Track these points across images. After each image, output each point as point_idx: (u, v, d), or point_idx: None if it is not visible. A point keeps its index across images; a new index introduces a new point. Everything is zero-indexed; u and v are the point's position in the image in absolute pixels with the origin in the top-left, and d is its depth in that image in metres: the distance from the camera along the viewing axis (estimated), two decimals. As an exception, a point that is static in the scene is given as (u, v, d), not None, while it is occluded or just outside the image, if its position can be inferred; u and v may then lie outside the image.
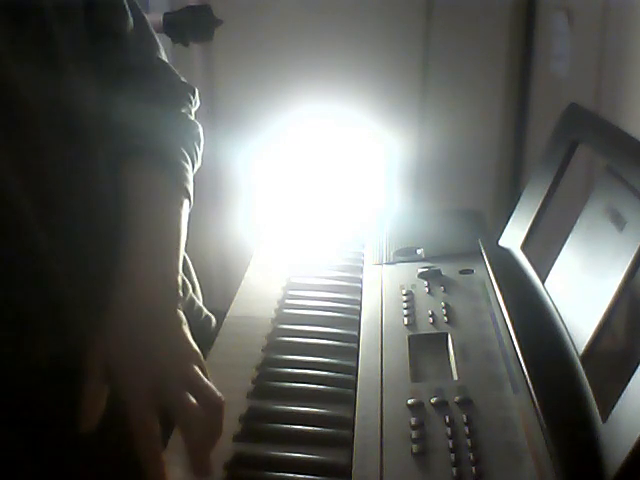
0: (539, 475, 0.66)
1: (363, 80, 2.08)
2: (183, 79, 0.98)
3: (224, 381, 0.84)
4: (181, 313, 0.78)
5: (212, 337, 0.97)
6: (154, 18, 1.82)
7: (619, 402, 0.65)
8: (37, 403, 0.75)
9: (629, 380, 0.65)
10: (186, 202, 0.87)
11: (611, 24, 1.52)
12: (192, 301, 0.97)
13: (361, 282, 1.07)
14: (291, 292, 1.05)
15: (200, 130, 0.95)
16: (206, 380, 0.73)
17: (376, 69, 2.10)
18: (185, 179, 0.87)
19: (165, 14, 1.81)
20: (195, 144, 0.93)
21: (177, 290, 0.79)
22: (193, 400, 0.71)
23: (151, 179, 0.86)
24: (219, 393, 0.73)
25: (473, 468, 0.67)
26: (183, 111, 0.94)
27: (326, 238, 1.24)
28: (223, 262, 2.08)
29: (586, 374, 0.74)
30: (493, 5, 2.09)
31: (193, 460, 0.69)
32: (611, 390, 0.68)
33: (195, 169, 0.92)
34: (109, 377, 0.73)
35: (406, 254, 1.12)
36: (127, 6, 0.91)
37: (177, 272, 0.81)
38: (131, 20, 0.91)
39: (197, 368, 0.74)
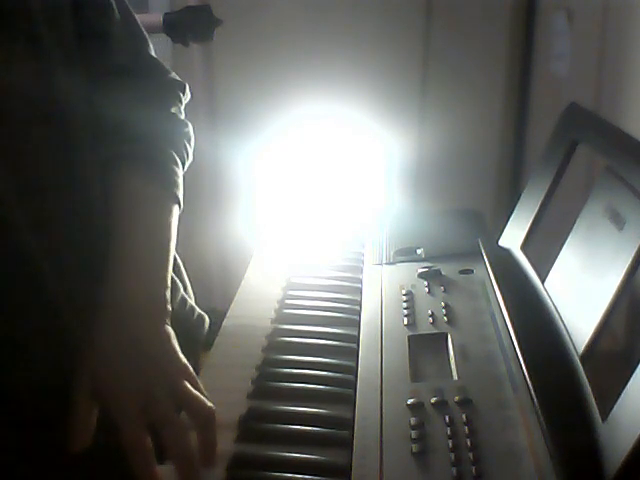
0: (539, 475, 0.66)
1: (363, 80, 2.08)
2: (172, 75, 0.96)
3: (224, 381, 0.84)
4: (169, 328, 0.77)
5: (206, 336, 0.97)
6: (154, 18, 1.82)
7: (618, 402, 0.65)
8: (35, 409, 0.75)
9: (629, 380, 0.65)
10: (176, 208, 0.87)
11: (611, 24, 1.52)
12: (184, 301, 0.96)
13: (361, 282, 1.07)
14: (291, 292, 1.05)
15: (190, 128, 0.94)
16: (196, 393, 0.73)
17: (376, 69, 2.10)
18: (175, 185, 0.87)
19: (165, 14, 1.81)
20: (185, 142, 0.92)
21: (166, 305, 0.79)
22: (182, 416, 0.71)
23: (141, 187, 0.85)
24: (209, 404, 0.73)
25: (473, 468, 0.67)
26: (172, 111, 0.93)
27: (326, 238, 1.24)
28: (223, 262, 2.08)
29: (586, 374, 0.74)
30: (493, 5, 2.09)
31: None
32: (611, 390, 0.68)
33: (186, 167, 0.92)
34: (98, 396, 0.72)
35: (406, 254, 1.12)
36: (114, 4, 0.89)
37: (166, 287, 0.80)
38: (118, 18, 0.90)
39: (187, 382, 0.73)
